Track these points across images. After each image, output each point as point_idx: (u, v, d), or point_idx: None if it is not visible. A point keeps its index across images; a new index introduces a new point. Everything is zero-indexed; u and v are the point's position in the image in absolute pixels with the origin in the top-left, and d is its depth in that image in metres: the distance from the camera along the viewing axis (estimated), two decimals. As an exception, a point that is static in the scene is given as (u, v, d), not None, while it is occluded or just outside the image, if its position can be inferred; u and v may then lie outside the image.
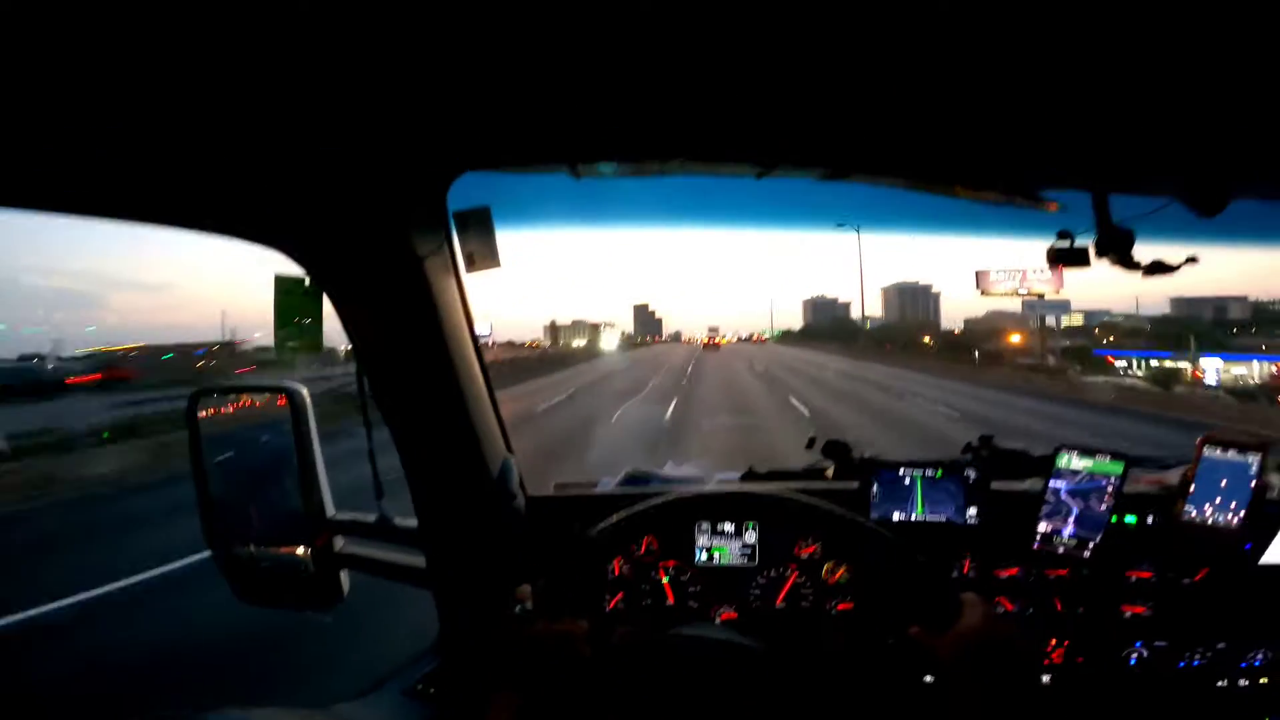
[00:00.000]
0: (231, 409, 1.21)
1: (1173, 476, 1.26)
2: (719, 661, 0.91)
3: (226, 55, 0.56)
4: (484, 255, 1.01)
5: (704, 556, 1.26)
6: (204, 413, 1.19)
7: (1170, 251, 0.87)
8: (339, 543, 1.21)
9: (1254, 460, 1.15)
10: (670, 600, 1.26)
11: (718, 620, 1.24)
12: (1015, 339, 37.86)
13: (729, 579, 1.25)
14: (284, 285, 1.03)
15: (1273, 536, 1.14)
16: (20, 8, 0.46)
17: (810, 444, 1.47)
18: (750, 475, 1.46)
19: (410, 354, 1.06)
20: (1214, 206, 0.84)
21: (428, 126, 0.77)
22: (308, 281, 1.02)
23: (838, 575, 1.23)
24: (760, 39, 0.55)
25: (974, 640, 0.86)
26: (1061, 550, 1.20)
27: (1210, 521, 1.16)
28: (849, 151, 0.81)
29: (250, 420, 1.31)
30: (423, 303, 1.02)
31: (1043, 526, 1.22)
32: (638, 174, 0.88)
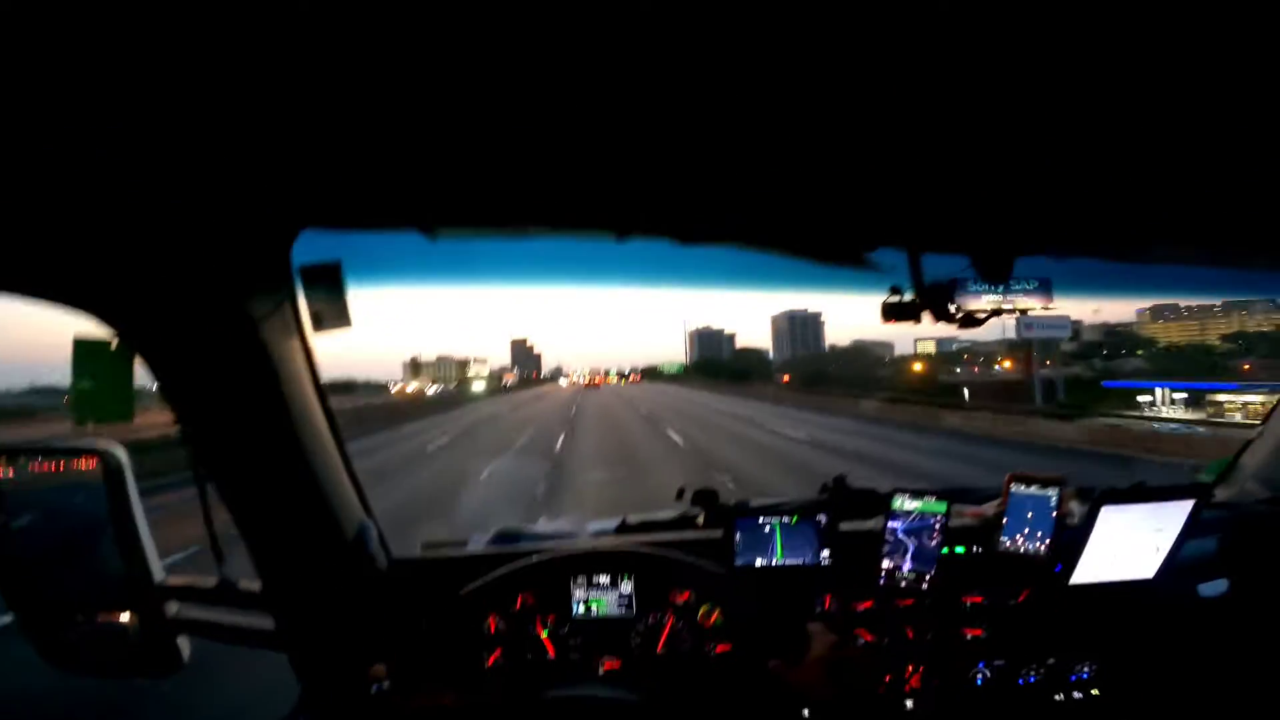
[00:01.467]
0: (33, 469, 1.08)
1: (989, 509, 1.45)
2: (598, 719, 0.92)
3: (27, 91, 0.51)
4: (333, 314, 0.97)
5: (581, 609, 1.29)
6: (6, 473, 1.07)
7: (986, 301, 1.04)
8: (173, 608, 1.15)
9: (1053, 493, 1.35)
10: (551, 654, 1.26)
11: (601, 670, 1.26)
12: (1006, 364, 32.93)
13: (609, 629, 1.28)
14: (85, 348, 0.94)
15: (1077, 559, 1.32)
16: None
17: (679, 495, 1.53)
18: (624, 527, 1.49)
19: (246, 417, 1.00)
20: (1000, 274, 1.02)
21: (267, 182, 0.75)
22: (114, 344, 0.94)
23: (713, 618, 1.29)
24: (611, 116, 0.60)
25: (824, 662, 0.96)
26: (904, 584, 1.34)
27: (1023, 549, 1.35)
28: (696, 221, 0.89)
29: (54, 482, 1.17)
30: (260, 364, 0.96)
31: (886, 563, 1.35)
32: (496, 235, 0.90)
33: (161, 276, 0.87)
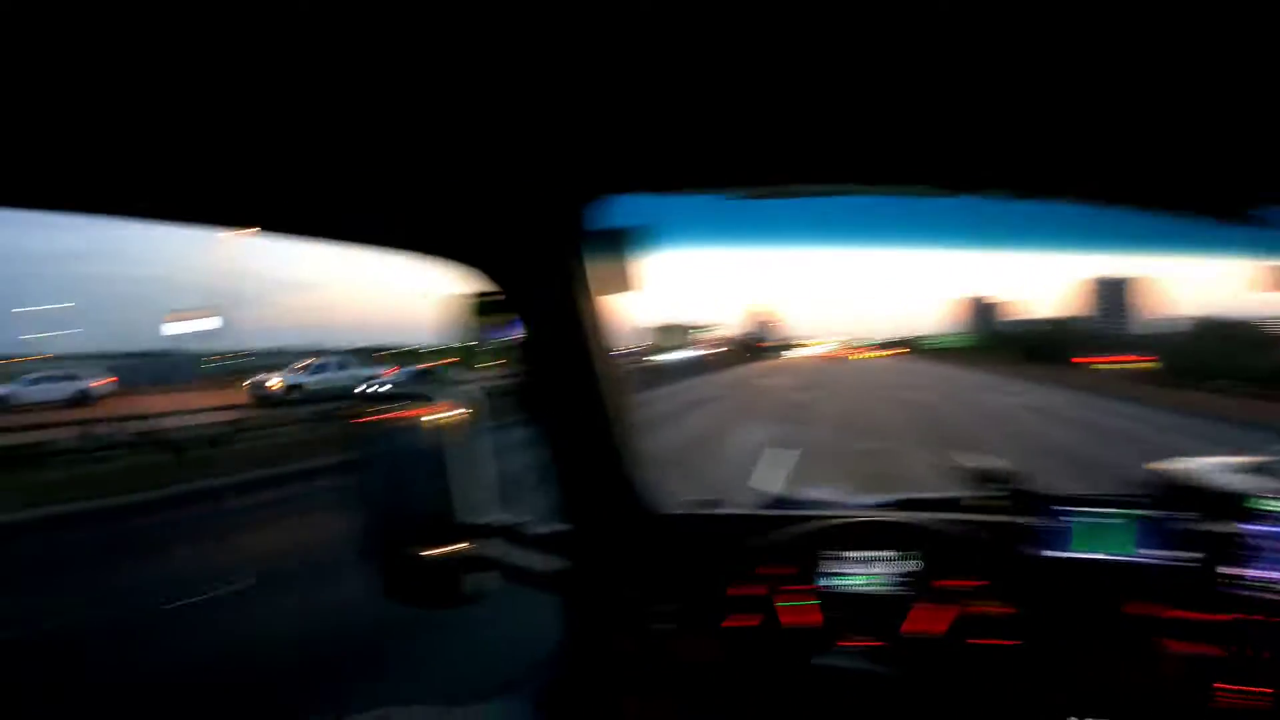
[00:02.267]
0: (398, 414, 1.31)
1: None
2: (862, 691, 0.91)
3: (396, 80, 0.63)
4: (621, 277, 1.08)
5: (845, 581, 1.25)
6: (369, 415, 1.32)
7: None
8: (477, 546, 1.30)
9: None
10: (797, 623, 1.25)
11: (847, 648, 1.22)
12: None
13: (869, 606, 1.23)
14: (456, 300, 1.15)
15: None
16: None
17: (966, 473, 1.40)
18: (906, 503, 1.42)
19: (562, 369, 1.15)
20: None
21: (578, 152, 0.83)
22: (474, 297, 1.13)
23: (992, 609, 1.18)
24: (950, 55, 0.55)
25: (1146, 671, 0.90)
26: (1254, 595, 1.11)
27: None
28: (1045, 171, 0.79)
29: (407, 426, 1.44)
30: (573, 320, 1.10)
31: (1233, 570, 1.12)
32: (801, 195, 0.90)
33: (503, 240, 1.04)
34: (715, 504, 1.50)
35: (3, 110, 0.60)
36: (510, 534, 1.31)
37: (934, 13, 0.48)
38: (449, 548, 1.28)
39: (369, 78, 0.63)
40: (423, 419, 1.27)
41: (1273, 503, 1.11)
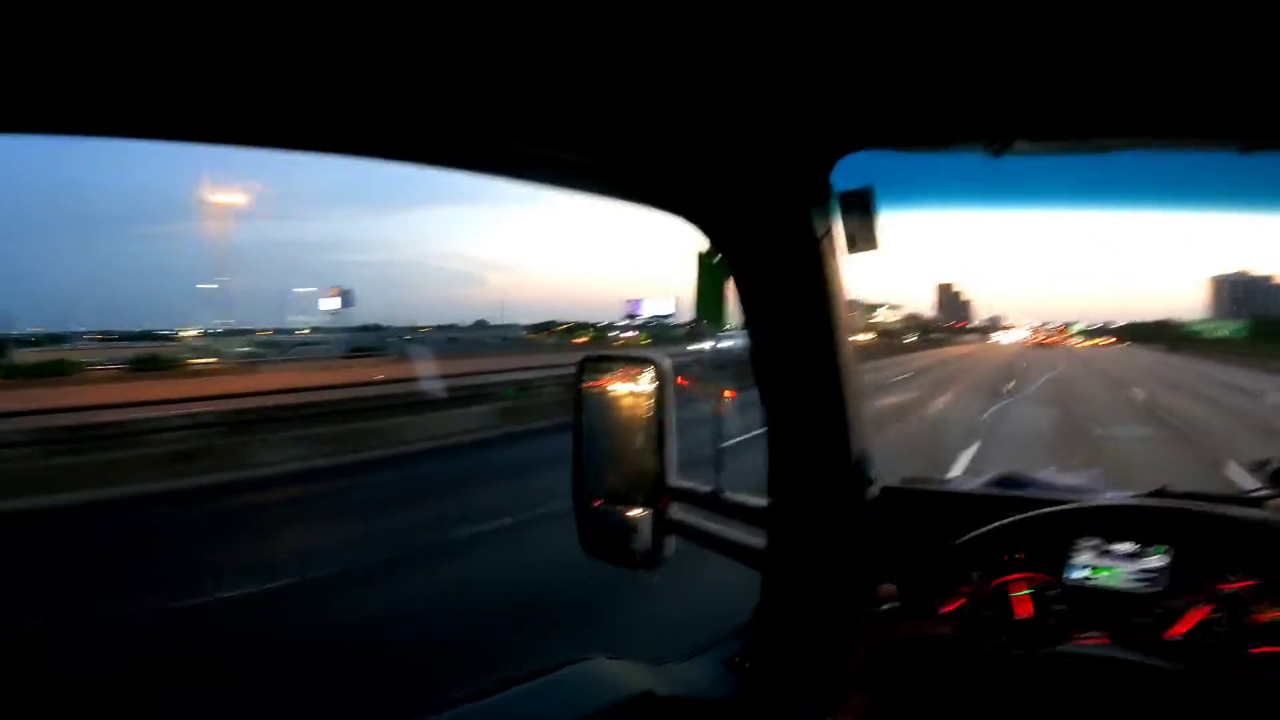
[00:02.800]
0: (612, 373, 1.39)
1: None
2: (1123, 687, 0.83)
3: (643, 31, 0.63)
4: (865, 238, 1.05)
5: (1081, 574, 1.13)
6: (587, 376, 1.41)
7: None
8: (675, 510, 1.32)
9: None
10: (1024, 615, 1.15)
11: (1078, 645, 1.10)
12: None
13: (1107, 602, 1.10)
14: (702, 258, 1.17)
15: None
16: None
17: (1257, 467, 1.21)
18: (1162, 493, 1.26)
19: (793, 333, 1.14)
20: None
21: (824, 108, 0.82)
22: (717, 258, 1.15)
23: (1269, 615, 1.01)
24: None
25: None
26: None
27: None
28: None
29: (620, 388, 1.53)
30: (808, 282, 1.09)
31: None
32: (1077, 150, 0.83)
33: (739, 194, 1.04)
34: (938, 481, 1.43)
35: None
36: (710, 500, 1.33)
37: None
38: (648, 509, 1.32)
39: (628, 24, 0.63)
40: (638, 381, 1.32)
41: None
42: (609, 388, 1.38)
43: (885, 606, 0.95)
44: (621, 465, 1.36)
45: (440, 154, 0.89)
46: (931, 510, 1.24)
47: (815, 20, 0.60)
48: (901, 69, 0.70)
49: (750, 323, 1.17)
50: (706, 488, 1.33)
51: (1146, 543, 1.11)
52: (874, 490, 1.28)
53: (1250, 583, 1.04)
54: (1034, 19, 0.58)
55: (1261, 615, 1.03)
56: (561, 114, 0.86)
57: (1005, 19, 0.59)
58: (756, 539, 1.30)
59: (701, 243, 1.14)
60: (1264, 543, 0.99)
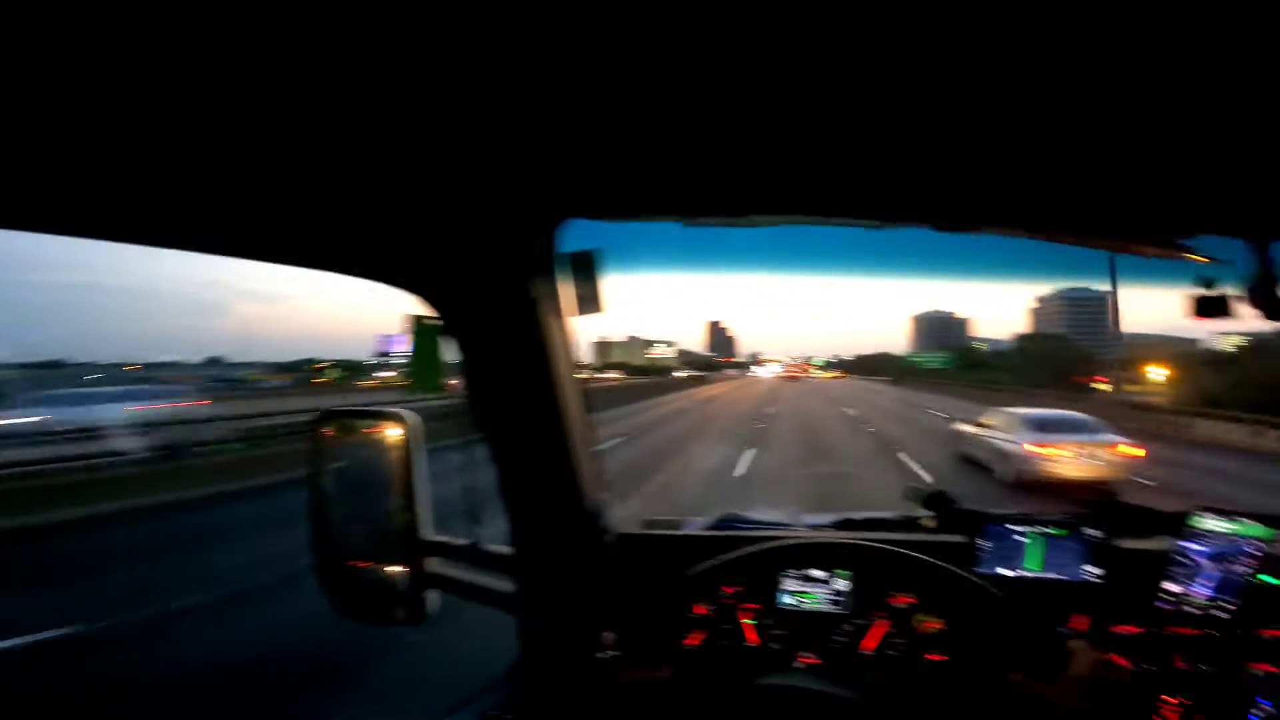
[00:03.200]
0: (355, 429, 1.32)
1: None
2: (813, 713, 0.94)
3: (358, 110, 0.64)
4: (589, 299, 1.11)
5: (790, 600, 1.30)
6: (326, 432, 1.32)
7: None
8: (432, 563, 1.30)
9: None
10: (752, 642, 1.30)
11: (798, 665, 1.27)
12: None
13: (815, 625, 1.28)
14: (419, 327, 1.15)
15: None
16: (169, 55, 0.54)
17: (909, 494, 1.48)
18: (845, 523, 1.48)
19: (518, 391, 1.16)
20: None
21: (541, 178, 0.86)
22: (434, 321, 1.13)
23: (932, 626, 1.24)
24: (877, 100, 0.60)
25: (1084, 682, 0.92)
26: (1192, 611, 1.17)
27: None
28: (971, 206, 0.85)
29: (361, 442, 1.43)
30: (532, 341, 1.11)
31: (1172, 587, 1.19)
32: (750, 224, 0.95)
33: (460, 262, 1.05)
34: (670, 524, 1.54)
35: None
36: (467, 553, 1.32)
37: (888, 54, 0.52)
38: (405, 566, 1.28)
39: (330, 103, 0.64)
40: (383, 436, 1.28)
41: (1206, 521, 1.20)
42: (352, 444, 1.32)
43: (605, 654, 0.97)
44: (370, 523, 1.30)
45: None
46: (664, 553, 1.33)
47: (523, 99, 0.64)
48: (603, 148, 0.77)
49: (473, 383, 1.17)
50: (463, 540, 1.32)
51: (832, 570, 1.30)
52: (611, 537, 1.34)
53: (912, 599, 1.26)
54: (711, 118, 0.67)
55: (927, 626, 1.25)
56: (292, 214, 0.88)
57: (684, 114, 0.67)
58: (511, 588, 1.30)
59: (416, 307, 1.13)
60: (917, 564, 1.19)
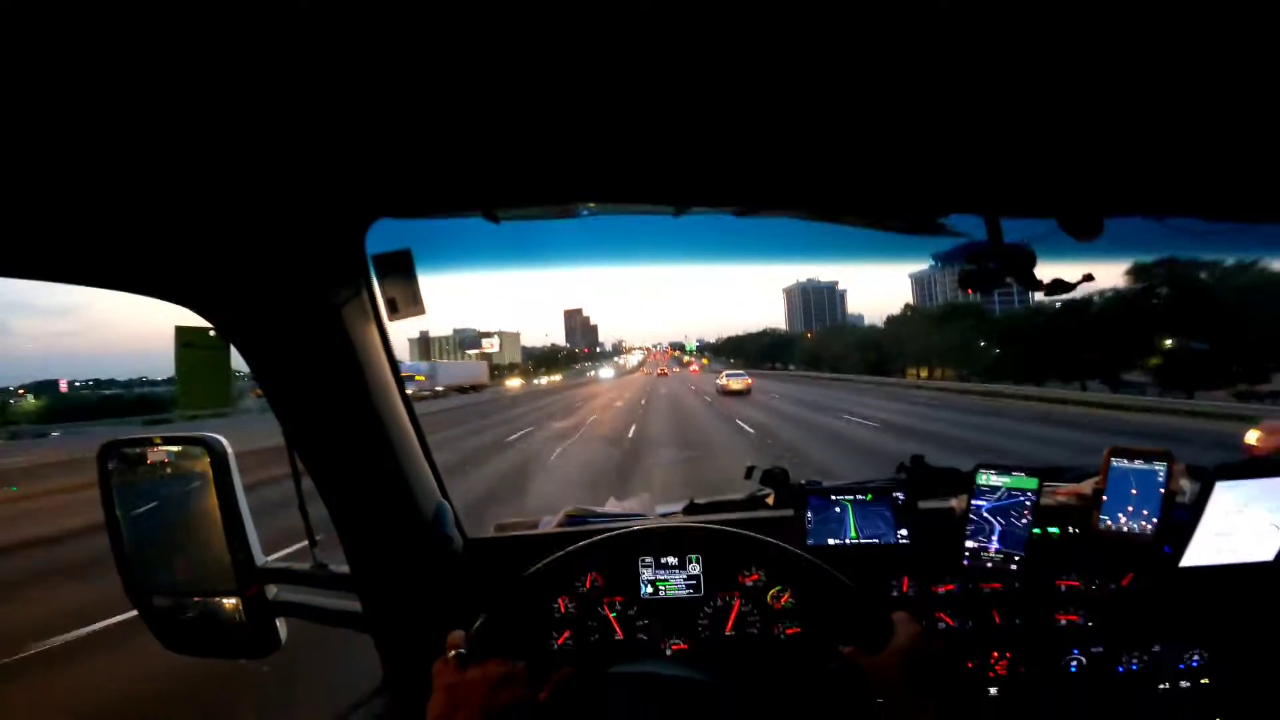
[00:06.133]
0: (146, 460, 1.27)
1: (1086, 487, 1.44)
2: (666, 698, 1.01)
3: (120, 102, 0.60)
4: (406, 301, 1.07)
5: (649, 590, 1.38)
6: (114, 464, 1.25)
7: (1064, 269, 1.04)
8: (272, 590, 1.29)
9: (1160, 469, 1.33)
10: (619, 635, 1.36)
11: (669, 651, 1.35)
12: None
13: (676, 610, 1.37)
14: (185, 337, 1.06)
15: (1188, 540, 1.30)
16: None
17: (749, 473, 1.60)
18: (692, 508, 1.58)
19: (332, 402, 1.12)
20: (1091, 232, 1.02)
21: (339, 176, 0.83)
22: (212, 333, 1.06)
23: (783, 600, 1.35)
24: (666, 88, 0.64)
25: (906, 655, 0.99)
26: (989, 565, 1.36)
27: (1125, 529, 1.34)
28: (759, 192, 0.93)
29: (165, 473, 1.35)
30: (343, 350, 1.07)
31: (969, 543, 1.37)
32: (558, 216, 0.98)
33: (249, 270, 0.98)
34: (523, 525, 1.57)
35: None
36: (309, 576, 1.31)
37: (673, 42, 0.56)
38: (240, 595, 1.27)
39: (92, 96, 0.59)
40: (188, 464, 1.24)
41: (988, 477, 1.37)
42: (150, 476, 1.28)
43: (452, 654, 0.98)
44: (192, 554, 1.28)
45: None
46: (517, 554, 1.35)
47: (321, 96, 0.62)
48: (407, 146, 0.76)
49: (278, 401, 1.11)
50: (304, 564, 1.31)
51: (684, 554, 1.38)
52: (458, 543, 1.35)
53: (758, 575, 1.37)
54: (517, 105, 0.68)
55: (777, 602, 1.36)
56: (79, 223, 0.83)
57: (489, 104, 0.67)
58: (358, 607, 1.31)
59: (186, 322, 1.04)
60: (753, 543, 1.30)
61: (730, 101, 0.68)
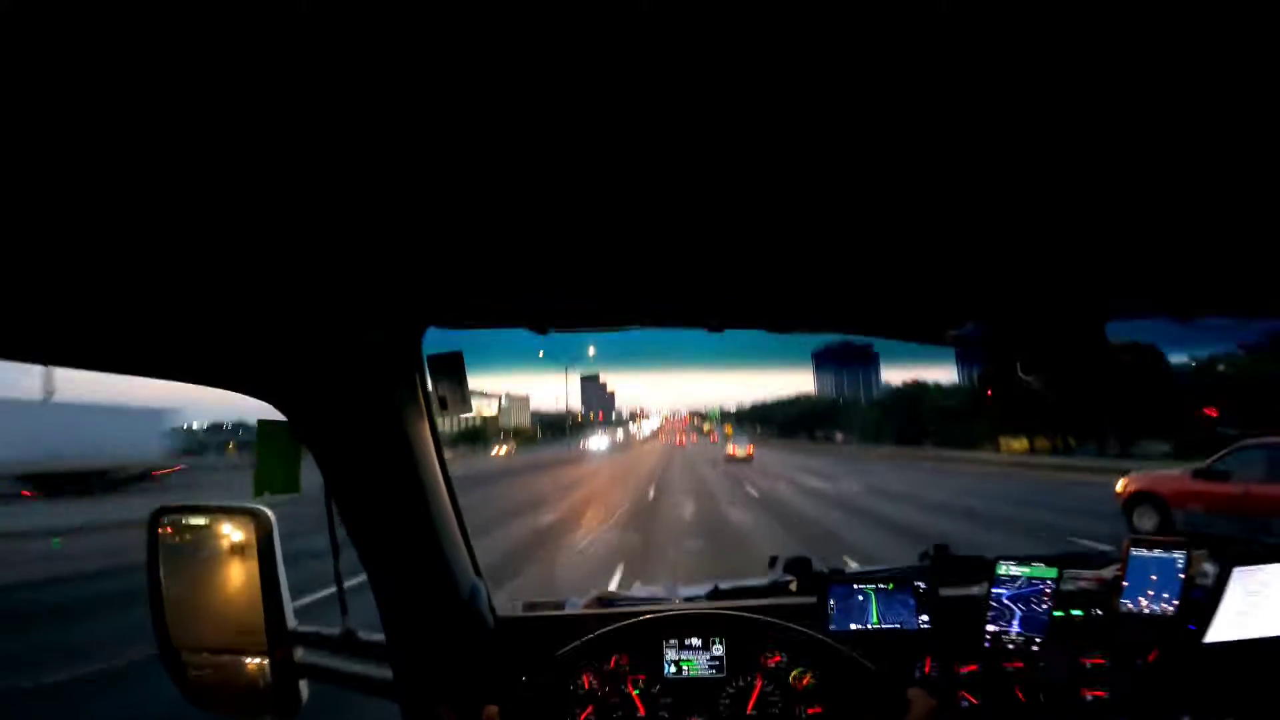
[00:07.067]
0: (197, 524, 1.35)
1: (1107, 574, 1.50)
2: None
3: (212, 224, 0.70)
4: (455, 400, 1.20)
5: (673, 669, 1.42)
6: (165, 529, 1.34)
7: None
8: (299, 653, 1.35)
9: (1179, 556, 1.39)
10: (641, 712, 1.40)
11: None
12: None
13: (698, 690, 1.40)
14: (266, 429, 1.19)
15: (1211, 617, 1.35)
16: None
17: (772, 563, 1.67)
18: (716, 593, 1.64)
19: (382, 488, 1.22)
20: (1097, 343, 1.10)
21: (401, 291, 0.96)
22: (288, 426, 1.18)
23: (805, 681, 1.39)
24: (705, 233, 0.75)
25: None
26: (1011, 647, 1.40)
27: (1147, 610, 1.39)
28: (788, 313, 1.06)
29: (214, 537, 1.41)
30: (397, 443, 1.19)
31: (991, 628, 1.42)
32: (601, 330, 1.11)
33: (320, 372, 1.12)
34: (551, 605, 1.63)
35: None
36: (340, 642, 1.37)
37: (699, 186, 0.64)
38: (269, 656, 1.32)
39: (171, 207, 0.66)
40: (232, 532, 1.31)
41: (1008, 568, 1.44)
42: (195, 541, 1.35)
43: None
44: (226, 616, 1.34)
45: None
46: (546, 633, 1.41)
47: (379, 218, 0.72)
48: (460, 264, 0.88)
49: (336, 484, 1.22)
50: (334, 630, 1.38)
51: (707, 637, 1.43)
52: (490, 621, 1.42)
53: (780, 657, 1.42)
54: (556, 243, 0.79)
55: (799, 683, 1.40)
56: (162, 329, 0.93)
57: (536, 238, 0.78)
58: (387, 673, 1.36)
59: (268, 414, 1.18)
60: (775, 628, 1.35)
61: (762, 238, 0.78)
